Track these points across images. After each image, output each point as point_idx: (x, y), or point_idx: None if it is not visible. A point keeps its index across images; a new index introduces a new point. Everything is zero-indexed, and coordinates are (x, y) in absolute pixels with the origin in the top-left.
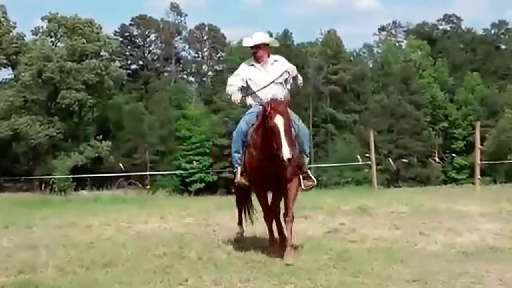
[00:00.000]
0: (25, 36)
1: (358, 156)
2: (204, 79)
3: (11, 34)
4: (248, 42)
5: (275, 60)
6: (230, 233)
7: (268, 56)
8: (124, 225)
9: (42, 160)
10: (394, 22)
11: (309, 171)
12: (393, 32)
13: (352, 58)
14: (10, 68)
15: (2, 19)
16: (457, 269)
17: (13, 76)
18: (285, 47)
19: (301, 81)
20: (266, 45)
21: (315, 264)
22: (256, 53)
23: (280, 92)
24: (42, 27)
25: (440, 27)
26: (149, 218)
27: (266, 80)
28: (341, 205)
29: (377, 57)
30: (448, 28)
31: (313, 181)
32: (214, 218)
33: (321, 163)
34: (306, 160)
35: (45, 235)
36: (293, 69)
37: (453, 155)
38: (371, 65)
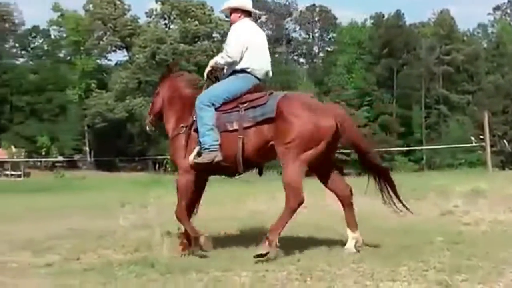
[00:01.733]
0: (139, 18)
1: (472, 138)
2: (314, 60)
3: (125, 16)
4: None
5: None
6: (341, 214)
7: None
8: (235, 205)
9: (155, 141)
10: (509, 1)
11: (204, 144)
12: (508, 11)
13: (465, 38)
14: (125, 50)
15: (117, 2)
16: None
17: (128, 58)
18: (397, 27)
19: (219, 58)
20: (236, 9)
21: (428, 246)
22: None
23: None
24: (155, 9)
25: None
26: (259, 198)
27: None
28: (455, 187)
29: (492, 37)
30: None
31: (204, 157)
32: (324, 198)
33: (433, 144)
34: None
35: (159, 214)
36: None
37: None
38: (485, 45)
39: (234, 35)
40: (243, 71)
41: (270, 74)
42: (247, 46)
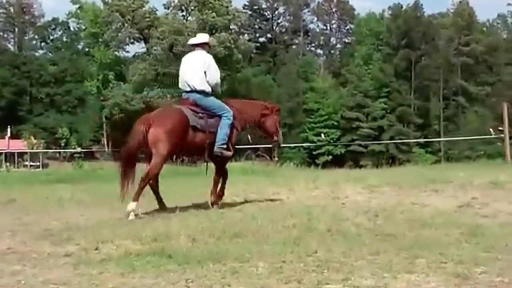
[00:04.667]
0: (157, 10)
1: (491, 130)
2: (332, 51)
3: (143, 8)
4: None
5: None
6: (359, 205)
7: None
8: (253, 196)
9: None
10: None
11: None
12: None
13: (485, 29)
14: (143, 42)
15: None
16: None
17: (145, 49)
18: (416, 18)
19: None
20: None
21: (446, 238)
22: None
23: None
24: (173, 1)
25: None
26: (277, 190)
27: None
28: (473, 179)
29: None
30: None
31: None
32: (342, 191)
33: (451, 136)
34: None
35: (177, 205)
36: None
37: None
38: (504, 36)
39: None
40: None
41: (193, 86)
42: (180, 71)
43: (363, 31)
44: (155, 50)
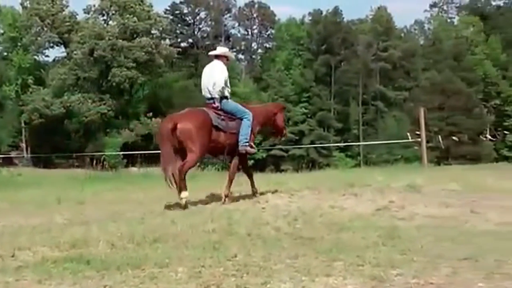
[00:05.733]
0: (77, 14)
1: (408, 134)
2: (253, 56)
3: (63, 12)
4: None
5: None
6: (279, 209)
7: None
8: (174, 201)
9: (93, 137)
10: None
11: None
12: (445, 8)
13: (402, 35)
14: (63, 46)
15: None
16: (510, 247)
17: (65, 54)
18: (335, 24)
19: None
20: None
21: (363, 241)
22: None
23: None
24: (94, 5)
25: (493, 3)
26: (199, 194)
27: None
28: (391, 183)
29: (428, 33)
30: (502, 4)
31: None
32: (262, 195)
33: (370, 140)
34: None
35: (96, 211)
36: None
37: (506, 132)
38: (422, 42)
39: None
40: None
41: (213, 92)
42: (201, 80)
43: (283, 37)
44: (75, 54)
